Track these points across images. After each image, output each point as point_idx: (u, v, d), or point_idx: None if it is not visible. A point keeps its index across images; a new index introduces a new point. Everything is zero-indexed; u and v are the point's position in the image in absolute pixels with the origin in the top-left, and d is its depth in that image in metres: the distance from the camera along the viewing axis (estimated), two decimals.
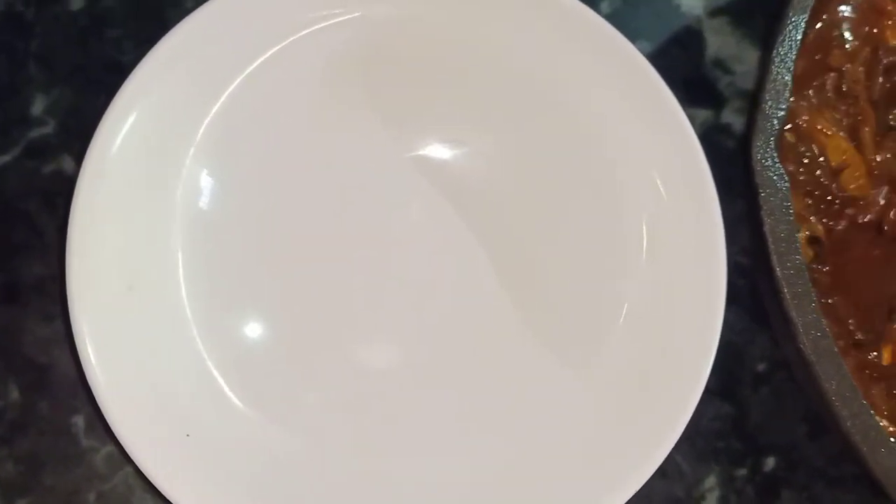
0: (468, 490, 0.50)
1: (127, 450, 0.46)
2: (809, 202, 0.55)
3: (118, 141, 0.48)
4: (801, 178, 0.55)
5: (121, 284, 0.48)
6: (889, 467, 0.49)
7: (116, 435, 0.46)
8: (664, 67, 0.55)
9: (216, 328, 0.51)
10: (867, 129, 0.56)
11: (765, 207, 0.50)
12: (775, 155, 0.51)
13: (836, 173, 0.55)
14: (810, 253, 0.54)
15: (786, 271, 0.49)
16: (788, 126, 0.55)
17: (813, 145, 0.55)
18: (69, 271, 0.47)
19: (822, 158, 0.55)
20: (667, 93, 0.53)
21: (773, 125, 0.51)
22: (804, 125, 0.55)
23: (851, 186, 0.55)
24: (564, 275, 0.54)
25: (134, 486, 0.53)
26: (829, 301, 0.53)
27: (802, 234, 0.55)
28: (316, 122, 0.53)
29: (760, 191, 0.50)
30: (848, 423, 0.49)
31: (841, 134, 0.55)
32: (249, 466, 0.49)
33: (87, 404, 0.53)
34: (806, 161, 0.55)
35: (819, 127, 0.55)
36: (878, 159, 0.54)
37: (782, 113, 0.51)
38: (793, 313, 0.49)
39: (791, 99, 0.52)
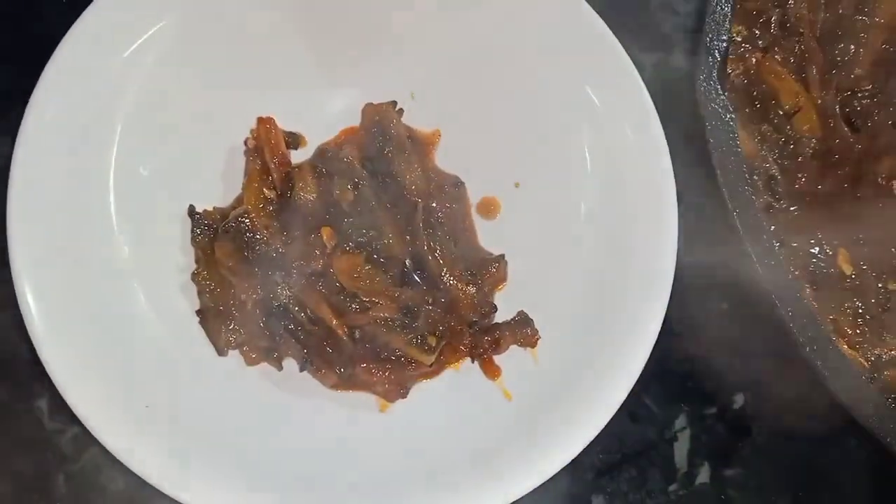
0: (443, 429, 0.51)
1: (90, 429, 0.46)
2: (764, 144, 0.55)
3: (51, 114, 0.47)
4: (753, 120, 0.55)
5: (67, 260, 0.47)
6: (852, 390, 0.50)
7: (77, 415, 0.46)
8: (611, 14, 0.54)
9: (166, 295, 0.51)
10: (814, 67, 0.56)
11: (712, 140, 0.50)
12: (719, 87, 0.51)
13: (788, 116, 0.55)
14: (767, 195, 0.55)
15: (735, 202, 0.49)
16: (739, 70, 0.55)
17: (764, 86, 0.55)
18: (13, 255, 0.46)
19: (773, 101, 0.55)
20: (609, 36, 0.53)
21: (714, 57, 0.51)
22: (754, 70, 0.55)
23: (805, 128, 0.55)
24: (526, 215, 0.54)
25: (102, 466, 0.53)
26: (791, 242, 0.54)
27: (762, 177, 0.55)
28: (249, 76, 0.53)
29: (707, 123, 0.50)
30: (807, 349, 0.49)
31: (792, 77, 0.55)
32: (215, 430, 0.49)
33: (49, 387, 0.52)
34: (757, 105, 0.55)
35: (771, 72, 0.55)
36: (819, 101, 0.55)
37: (724, 45, 0.51)
38: (747, 244, 0.49)
39: (732, 32, 0.52)
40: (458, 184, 0.55)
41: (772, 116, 0.55)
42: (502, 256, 0.53)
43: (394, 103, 0.54)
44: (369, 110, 0.54)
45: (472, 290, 0.51)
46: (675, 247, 0.50)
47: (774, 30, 0.56)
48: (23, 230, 0.46)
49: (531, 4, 0.53)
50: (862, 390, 0.50)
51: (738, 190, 0.49)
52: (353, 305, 0.50)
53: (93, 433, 0.46)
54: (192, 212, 0.51)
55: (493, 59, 0.54)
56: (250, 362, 0.51)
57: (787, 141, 0.55)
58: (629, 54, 0.54)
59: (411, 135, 0.54)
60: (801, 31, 0.56)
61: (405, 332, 0.49)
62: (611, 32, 0.52)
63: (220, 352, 0.51)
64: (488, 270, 0.53)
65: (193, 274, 0.51)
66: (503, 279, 0.53)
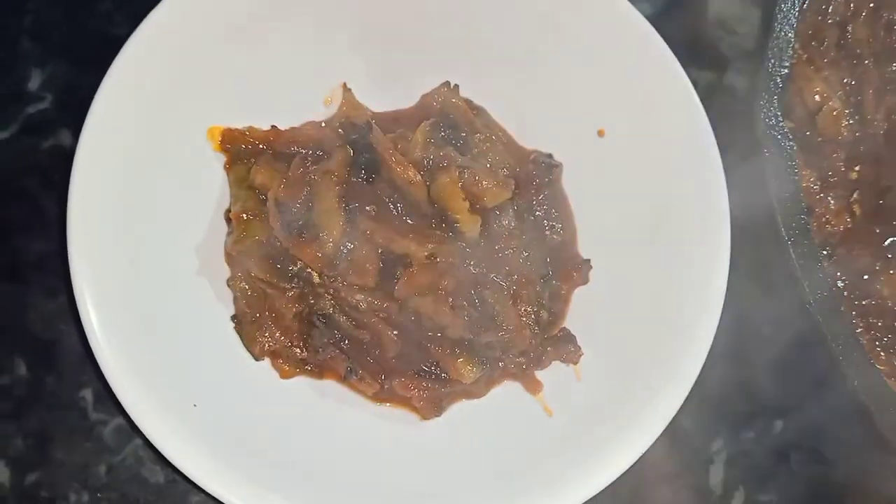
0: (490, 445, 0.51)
1: (135, 421, 0.46)
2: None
3: (114, 113, 0.48)
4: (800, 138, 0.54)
5: (123, 257, 0.48)
6: (894, 424, 0.49)
7: (125, 407, 0.47)
8: (666, 29, 0.54)
9: (214, 298, 0.51)
10: (870, 89, 0.55)
11: (769, 167, 0.50)
12: (779, 114, 0.50)
13: (812, 115, 0.54)
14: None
15: (790, 231, 0.49)
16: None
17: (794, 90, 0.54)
18: (71, 246, 0.47)
19: (799, 99, 0.54)
20: (668, 53, 0.52)
21: (776, 83, 0.50)
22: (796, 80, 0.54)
23: (829, 126, 0.53)
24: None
25: (143, 458, 0.53)
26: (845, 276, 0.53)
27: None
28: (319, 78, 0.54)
29: (765, 150, 0.50)
30: (855, 383, 0.49)
31: (825, 74, 0.54)
32: (257, 431, 0.49)
33: (94, 378, 0.53)
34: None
35: (802, 76, 0.54)
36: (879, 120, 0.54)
37: (786, 71, 0.51)
38: (798, 272, 0.48)
39: (794, 58, 0.51)
40: (550, 162, 0.53)
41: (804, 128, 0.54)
42: (588, 261, 0.53)
43: (447, 83, 0.53)
44: (427, 99, 0.53)
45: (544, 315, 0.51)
46: (726, 270, 0.50)
47: (832, 52, 0.56)
48: (82, 223, 0.47)
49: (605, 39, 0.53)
50: None
51: (792, 218, 0.49)
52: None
53: (139, 426, 0.47)
54: (228, 217, 0.52)
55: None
56: (284, 375, 0.51)
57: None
58: (684, 69, 0.54)
59: (476, 109, 0.54)
60: (859, 51, 0.55)
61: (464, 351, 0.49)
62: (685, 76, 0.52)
63: (255, 358, 0.51)
64: (568, 272, 0.52)
65: (229, 280, 0.51)
66: (583, 283, 0.53)
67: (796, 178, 0.50)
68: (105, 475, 0.53)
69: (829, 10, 0.55)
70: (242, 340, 0.51)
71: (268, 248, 0.50)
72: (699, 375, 0.51)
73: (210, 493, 0.47)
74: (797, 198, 0.49)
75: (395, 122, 0.54)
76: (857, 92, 0.55)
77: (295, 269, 0.50)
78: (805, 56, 0.54)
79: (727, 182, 0.52)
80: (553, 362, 0.52)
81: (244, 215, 0.50)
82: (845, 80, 0.55)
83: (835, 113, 0.54)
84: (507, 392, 0.53)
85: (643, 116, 0.53)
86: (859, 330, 0.51)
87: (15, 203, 0.56)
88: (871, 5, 0.55)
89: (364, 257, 0.49)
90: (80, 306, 0.46)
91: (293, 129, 0.53)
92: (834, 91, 0.54)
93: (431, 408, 0.51)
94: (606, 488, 0.49)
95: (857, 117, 0.54)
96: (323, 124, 0.54)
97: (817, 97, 0.53)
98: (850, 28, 0.55)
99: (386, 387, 0.51)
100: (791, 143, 0.50)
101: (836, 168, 0.54)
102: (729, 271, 0.51)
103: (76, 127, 0.50)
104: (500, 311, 0.49)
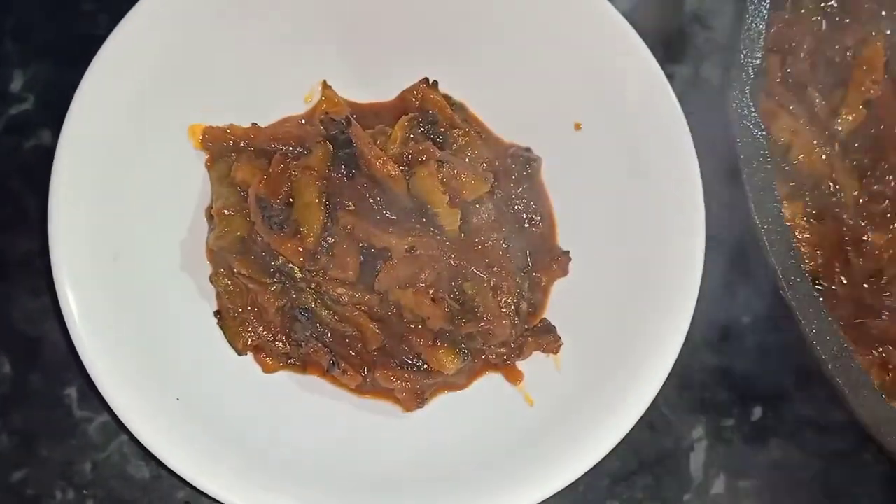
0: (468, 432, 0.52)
1: (120, 417, 0.47)
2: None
3: (94, 112, 0.48)
4: None
5: (105, 254, 0.48)
6: (872, 409, 0.50)
7: (109, 403, 0.47)
8: (641, 24, 0.55)
9: (195, 293, 0.52)
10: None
11: (742, 156, 0.50)
12: (751, 104, 0.51)
13: (784, 151, 0.54)
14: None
15: (763, 218, 0.49)
16: None
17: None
18: (52, 245, 0.47)
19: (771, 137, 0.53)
20: (643, 47, 0.53)
21: (748, 74, 0.51)
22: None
23: (801, 161, 0.54)
24: None
25: (129, 455, 0.54)
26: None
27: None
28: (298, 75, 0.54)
29: (738, 140, 0.51)
30: (829, 367, 0.50)
31: (791, 108, 0.54)
32: (241, 425, 0.50)
33: (79, 376, 0.54)
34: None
35: (766, 110, 0.53)
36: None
37: (758, 62, 0.51)
38: (772, 259, 0.49)
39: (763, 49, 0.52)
40: (528, 156, 0.54)
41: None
42: (567, 253, 0.54)
43: (426, 79, 0.54)
44: (406, 95, 0.54)
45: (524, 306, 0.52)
46: (702, 256, 0.51)
47: (781, 82, 0.55)
48: (62, 221, 0.47)
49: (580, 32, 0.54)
50: (880, 408, 0.50)
51: (765, 205, 0.50)
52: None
53: (123, 423, 0.47)
54: (210, 214, 0.52)
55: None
56: (267, 370, 0.52)
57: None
58: (659, 63, 0.54)
59: (455, 105, 0.55)
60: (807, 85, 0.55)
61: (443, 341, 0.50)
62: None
63: (239, 353, 0.52)
64: (548, 263, 0.53)
65: (211, 276, 0.52)
66: (562, 274, 0.54)
67: (769, 166, 0.50)
68: (90, 472, 0.54)
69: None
70: (225, 336, 0.52)
71: (249, 243, 0.51)
72: (678, 364, 0.51)
73: (196, 486, 0.47)
74: (769, 186, 0.50)
75: (374, 115, 0.54)
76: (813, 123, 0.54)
77: (276, 264, 0.50)
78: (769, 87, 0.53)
79: (702, 173, 0.53)
80: (533, 353, 0.53)
81: (225, 212, 0.51)
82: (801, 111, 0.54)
83: (807, 147, 0.53)
84: (489, 383, 0.53)
85: (619, 110, 0.54)
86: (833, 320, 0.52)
87: None
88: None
89: (345, 251, 0.49)
90: (63, 304, 0.47)
91: (274, 125, 0.54)
92: (800, 122, 0.53)
93: (414, 399, 0.52)
94: (586, 475, 0.49)
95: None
96: (303, 121, 0.55)
97: (786, 134, 0.53)
98: (789, 60, 0.54)
99: (368, 379, 0.52)
100: (763, 132, 0.51)
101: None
102: (704, 260, 0.51)
103: (58, 127, 0.50)
104: (480, 302, 0.50)
